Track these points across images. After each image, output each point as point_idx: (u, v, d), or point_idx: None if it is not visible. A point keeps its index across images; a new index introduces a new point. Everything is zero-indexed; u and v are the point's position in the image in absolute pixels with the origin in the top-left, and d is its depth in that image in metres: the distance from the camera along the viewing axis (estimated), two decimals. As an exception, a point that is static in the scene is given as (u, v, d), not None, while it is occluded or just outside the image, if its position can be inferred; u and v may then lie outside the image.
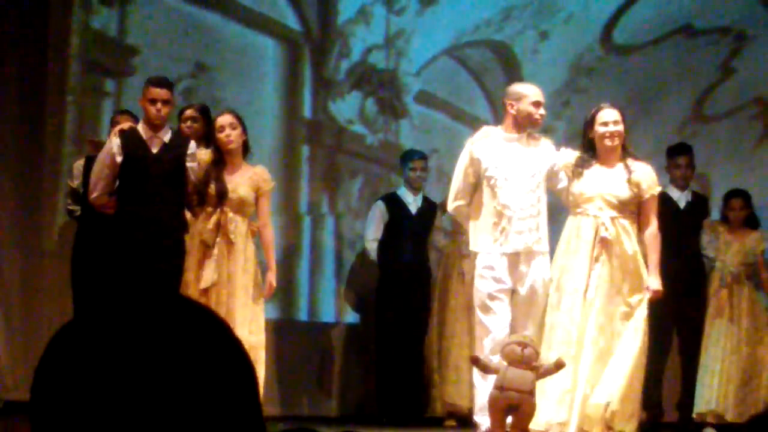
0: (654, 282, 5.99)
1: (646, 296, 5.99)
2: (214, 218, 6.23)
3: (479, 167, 5.94)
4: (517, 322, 6.06)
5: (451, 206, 6.14)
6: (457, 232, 7.36)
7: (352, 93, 7.20)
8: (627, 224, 5.97)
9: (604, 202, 5.97)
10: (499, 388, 5.43)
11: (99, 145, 6.57)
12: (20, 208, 7.17)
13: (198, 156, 6.22)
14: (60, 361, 1.28)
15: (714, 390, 7.51)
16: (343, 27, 7.17)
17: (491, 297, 5.98)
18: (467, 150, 5.99)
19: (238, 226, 6.25)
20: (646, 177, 6.01)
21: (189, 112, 6.68)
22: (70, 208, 6.86)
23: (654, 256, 6.05)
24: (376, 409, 7.75)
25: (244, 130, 6.32)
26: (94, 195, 6.17)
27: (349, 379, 7.86)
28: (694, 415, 7.47)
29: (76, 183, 6.77)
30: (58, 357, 1.28)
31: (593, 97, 7.32)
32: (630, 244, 5.96)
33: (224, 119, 6.26)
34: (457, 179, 6.04)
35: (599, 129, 5.97)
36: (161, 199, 6.12)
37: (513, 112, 6.01)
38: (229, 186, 6.25)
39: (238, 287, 6.27)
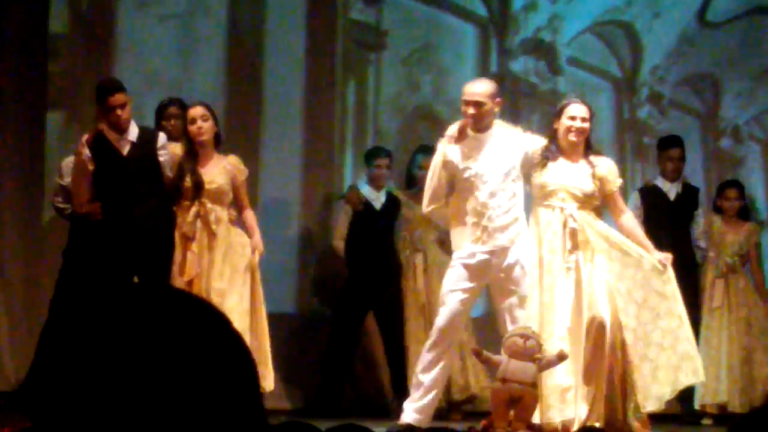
0: (661, 256, 5.75)
1: (669, 271, 5.70)
2: (193, 210, 6.08)
3: (452, 167, 5.73)
4: (503, 316, 5.77)
5: (426, 209, 5.92)
6: (408, 227, 7.37)
7: (525, 58, 8.26)
8: (590, 218, 5.77)
9: (568, 194, 5.73)
10: (502, 380, 5.23)
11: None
12: (23, 205, 6.95)
13: (170, 149, 6.10)
14: (57, 354, 1.27)
15: (721, 382, 7.24)
16: (517, 13, 8.24)
17: (451, 291, 5.75)
18: (440, 151, 5.77)
19: (218, 215, 6.12)
20: (610, 171, 5.82)
21: (172, 110, 6.49)
22: (60, 206, 6.58)
23: (640, 237, 5.83)
24: (379, 402, 7.45)
25: (216, 122, 6.19)
26: (77, 204, 6.11)
27: (367, 371, 7.67)
28: (696, 407, 7.28)
29: (66, 180, 6.49)
30: (56, 350, 1.27)
31: (692, 59, 8.60)
32: (603, 228, 5.75)
33: (195, 111, 6.13)
34: (432, 181, 5.81)
35: (566, 122, 5.74)
36: (141, 198, 5.96)
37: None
38: (205, 178, 6.10)
39: (224, 274, 6.06)
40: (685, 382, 5.72)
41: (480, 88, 5.69)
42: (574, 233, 5.63)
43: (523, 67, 8.30)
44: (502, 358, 5.27)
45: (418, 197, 6.67)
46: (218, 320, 1.30)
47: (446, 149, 5.69)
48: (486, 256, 5.69)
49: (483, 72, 7.99)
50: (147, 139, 6.01)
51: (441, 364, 5.78)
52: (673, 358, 5.67)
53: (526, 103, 8.22)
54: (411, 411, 5.74)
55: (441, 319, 5.72)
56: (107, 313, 1.28)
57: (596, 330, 5.54)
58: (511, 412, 5.20)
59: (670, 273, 5.69)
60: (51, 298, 6.36)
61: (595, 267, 5.65)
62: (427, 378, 5.76)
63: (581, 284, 5.60)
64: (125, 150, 5.96)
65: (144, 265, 5.90)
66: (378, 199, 7.48)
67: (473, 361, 6.83)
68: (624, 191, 8.26)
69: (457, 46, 8.01)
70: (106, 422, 1.21)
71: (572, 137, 5.70)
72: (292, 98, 7.36)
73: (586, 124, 5.73)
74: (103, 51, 7.06)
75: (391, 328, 7.34)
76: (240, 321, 5.85)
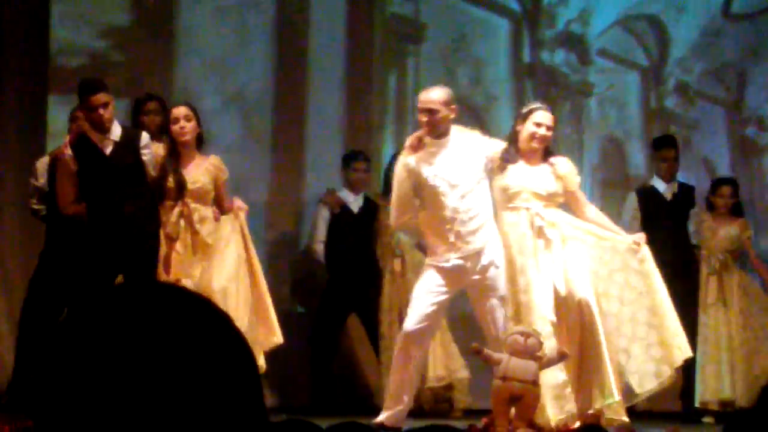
0: (633, 236, 5.88)
1: (644, 250, 5.78)
2: (176, 210, 6.09)
3: (418, 178, 5.71)
4: (483, 318, 5.77)
5: (396, 222, 5.94)
6: (387, 232, 7.30)
7: (556, 50, 8.55)
8: (559, 212, 5.83)
9: (532, 194, 5.77)
10: (502, 378, 5.21)
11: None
12: (23, 203, 6.84)
13: (153, 148, 6.08)
14: (59, 351, 1.29)
15: (723, 379, 7.19)
16: (548, 7, 8.56)
17: (422, 294, 5.74)
18: (402, 164, 5.76)
19: (201, 214, 6.13)
20: (570, 169, 5.87)
21: (151, 105, 6.50)
22: (35, 207, 6.58)
23: (609, 225, 5.91)
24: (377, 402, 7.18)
25: (198, 123, 6.18)
26: (63, 206, 6.05)
27: (352, 371, 7.69)
28: (697, 405, 7.23)
29: (41, 181, 6.51)
30: (58, 349, 1.30)
31: (717, 50, 8.83)
32: (573, 219, 5.83)
33: (179, 111, 6.14)
34: (398, 194, 5.80)
35: (530, 127, 5.79)
36: (126, 197, 5.92)
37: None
38: (188, 177, 6.11)
39: (213, 266, 6.04)
40: (678, 360, 5.72)
41: (433, 96, 5.68)
42: (541, 231, 5.66)
43: (555, 58, 8.55)
44: (503, 356, 5.24)
45: None
46: (219, 318, 1.29)
47: (407, 160, 5.69)
48: (460, 261, 5.68)
49: (516, 63, 8.32)
50: (130, 138, 5.97)
51: (410, 366, 5.75)
52: (665, 335, 5.71)
53: (558, 93, 8.48)
54: (385, 413, 5.74)
55: (409, 322, 5.70)
56: (106, 312, 1.26)
57: (583, 312, 5.59)
58: (512, 410, 5.18)
59: (645, 251, 5.74)
60: (24, 298, 6.41)
61: (572, 256, 5.67)
62: (398, 380, 5.74)
63: (557, 278, 5.61)
64: (108, 150, 5.92)
65: (130, 264, 5.85)
66: (356, 203, 7.50)
67: (450, 350, 7.00)
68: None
69: (491, 38, 8.30)
70: (106, 420, 1.20)
71: (535, 144, 5.77)
72: (333, 89, 7.71)
73: (550, 133, 5.79)
74: (164, 42, 7.36)
75: (376, 329, 7.31)
76: (237, 294, 5.95)
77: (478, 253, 5.68)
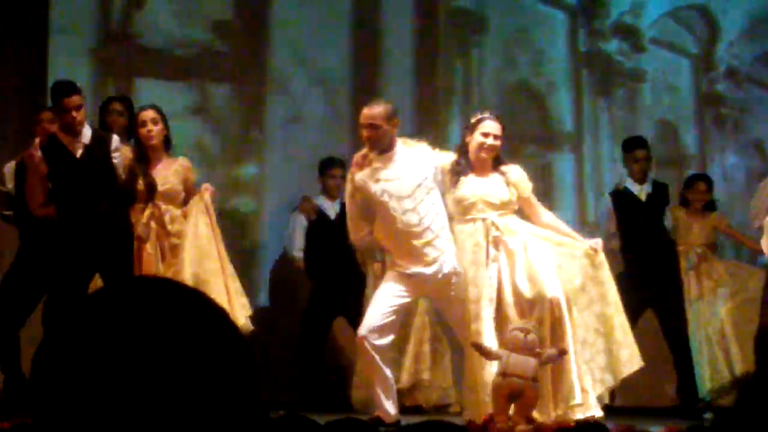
0: (590, 241, 5.82)
1: (600, 256, 5.74)
2: (147, 212, 6.12)
3: (366, 195, 5.71)
4: (456, 325, 5.78)
5: (353, 239, 5.95)
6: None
7: (610, 39, 8.87)
8: (514, 219, 5.82)
9: (486, 204, 5.75)
10: (502, 374, 5.19)
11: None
12: None
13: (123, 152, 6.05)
14: (58, 349, 1.29)
15: (721, 371, 7.16)
16: (603, 0, 8.89)
17: (380, 296, 5.73)
18: (349, 181, 5.79)
19: (172, 214, 6.17)
20: (521, 177, 5.85)
21: (116, 106, 6.49)
22: (5, 213, 6.59)
23: (564, 230, 5.89)
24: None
25: (165, 125, 6.22)
26: (33, 208, 6.04)
27: (349, 367, 7.57)
28: (703, 399, 7.17)
29: (8, 186, 6.51)
30: (56, 346, 1.30)
31: (766, 36, 9.16)
32: (529, 227, 5.81)
33: (146, 115, 6.19)
34: (350, 212, 5.83)
35: (478, 138, 5.78)
36: (96, 200, 5.91)
37: None
38: (157, 179, 6.14)
39: (184, 253, 6.07)
40: (625, 371, 5.72)
41: (374, 111, 5.66)
42: (497, 240, 5.65)
43: (609, 47, 8.89)
44: (503, 352, 5.24)
45: None
46: (216, 314, 1.29)
47: (354, 177, 5.70)
48: (421, 271, 5.67)
49: (573, 52, 8.72)
50: (100, 141, 5.94)
51: (378, 364, 5.70)
52: (612, 345, 5.71)
53: (613, 80, 8.88)
54: (377, 410, 5.73)
55: (363, 326, 5.69)
56: (102, 308, 1.27)
57: (553, 311, 5.53)
58: (512, 406, 5.17)
59: (602, 258, 5.72)
60: None
61: (537, 258, 5.62)
62: (374, 380, 5.76)
63: (509, 284, 5.58)
64: (78, 152, 5.91)
65: (107, 264, 5.85)
66: (332, 209, 7.44)
67: (423, 348, 6.96)
68: (702, 162, 8.99)
69: (549, 30, 8.71)
70: (104, 416, 1.21)
71: (483, 154, 5.76)
72: (404, 76, 8.18)
73: (498, 142, 5.77)
74: (261, 33, 7.80)
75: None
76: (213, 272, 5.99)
77: (438, 263, 5.65)
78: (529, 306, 5.60)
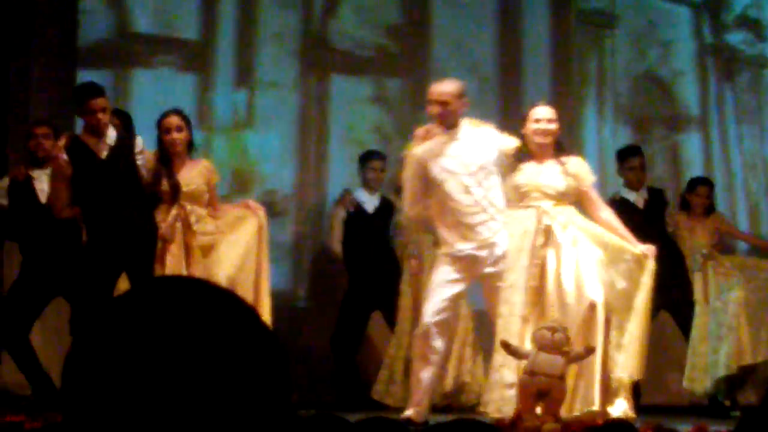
0: (644, 247, 5.74)
1: (650, 263, 5.68)
2: (173, 212, 6.13)
3: (426, 171, 5.70)
4: (496, 304, 5.72)
5: (408, 214, 6.00)
6: (404, 233, 7.28)
7: (734, 30, 9.19)
8: (571, 212, 5.79)
9: (542, 193, 5.71)
10: (530, 373, 5.16)
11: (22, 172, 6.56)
12: None
13: (147, 154, 6.09)
14: (90, 349, 1.28)
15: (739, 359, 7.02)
16: None
17: (439, 285, 5.70)
18: (410, 156, 5.79)
19: (197, 213, 6.19)
20: (582, 168, 5.84)
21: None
22: None
23: (622, 230, 5.79)
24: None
25: (189, 130, 6.25)
26: (57, 209, 6.07)
27: (376, 366, 7.55)
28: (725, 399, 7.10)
29: (3, 202, 6.67)
30: (88, 345, 1.28)
31: None
32: (583, 222, 5.72)
33: (171, 122, 6.21)
34: (409, 187, 5.81)
35: (532, 126, 5.78)
36: (122, 201, 5.90)
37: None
38: (182, 181, 6.14)
39: (220, 256, 6.09)
40: (617, 372, 5.68)
41: (445, 88, 5.74)
42: (548, 230, 5.65)
43: (733, 37, 9.28)
44: (530, 350, 5.25)
45: None
46: (247, 313, 1.29)
47: (415, 152, 5.74)
48: (473, 252, 5.68)
49: (699, 44, 9.35)
50: (124, 143, 5.98)
51: (433, 360, 5.77)
52: (627, 349, 5.67)
53: (737, 66, 9.34)
54: (412, 409, 5.77)
55: (427, 315, 5.70)
56: (136, 308, 1.28)
57: (591, 314, 5.55)
58: (539, 405, 5.18)
59: (651, 265, 5.68)
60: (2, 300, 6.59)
61: (584, 257, 5.60)
62: (422, 375, 5.78)
63: (552, 276, 5.58)
64: (103, 153, 5.93)
65: (132, 266, 5.87)
66: (371, 202, 7.50)
67: (469, 351, 6.99)
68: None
69: (676, 24, 9.30)
70: (134, 416, 1.21)
71: (538, 139, 5.78)
72: (542, 69, 9.06)
73: (551, 126, 5.79)
74: (423, 34, 8.57)
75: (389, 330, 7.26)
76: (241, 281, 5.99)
77: (490, 244, 5.67)
78: (567, 303, 5.57)
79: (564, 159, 5.84)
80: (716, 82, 9.43)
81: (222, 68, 8.22)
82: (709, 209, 7.58)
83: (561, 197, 5.76)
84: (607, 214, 5.86)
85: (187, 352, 1.24)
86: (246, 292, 6.00)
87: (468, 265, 5.73)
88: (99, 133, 5.92)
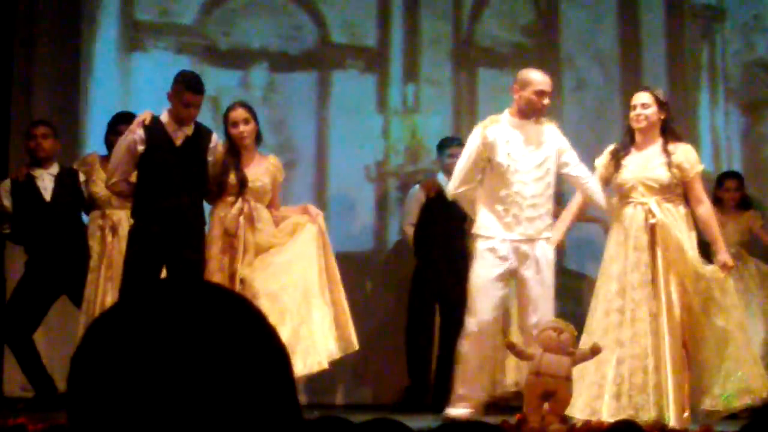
0: (725, 258, 5.48)
1: (729, 282, 5.45)
2: (237, 206, 5.98)
3: (491, 152, 5.60)
4: (526, 306, 5.65)
5: (455, 190, 5.77)
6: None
7: None
8: (672, 207, 5.54)
9: (646, 188, 5.51)
10: (535, 373, 5.06)
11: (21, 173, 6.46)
12: None
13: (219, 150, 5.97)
14: (96, 350, 1.26)
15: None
16: None
17: (489, 280, 5.57)
18: (479, 134, 5.67)
19: (260, 212, 6.07)
20: (687, 157, 5.55)
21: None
22: (3, 232, 6.68)
23: (715, 232, 5.54)
24: (411, 397, 7.16)
25: (256, 121, 6.10)
26: (112, 180, 5.92)
27: (385, 367, 7.65)
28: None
29: (6, 204, 6.57)
30: (94, 347, 1.26)
31: None
32: (676, 229, 5.44)
33: (237, 115, 6.08)
34: (466, 163, 5.69)
35: (630, 113, 5.65)
36: (182, 191, 5.82)
37: (517, 98, 5.71)
38: (250, 176, 6.02)
39: (272, 268, 5.85)
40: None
41: (550, 80, 5.70)
42: (653, 228, 5.46)
43: None
44: (536, 351, 5.13)
45: None
46: (252, 314, 1.29)
47: (486, 131, 5.64)
48: (511, 243, 5.60)
49: None
50: (201, 136, 5.96)
51: (485, 358, 5.72)
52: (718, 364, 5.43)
53: None
54: (460, 405, 5.68)
55: (480, 313, 5.57)
56: (141, 310, 1.27)
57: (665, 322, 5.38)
58: (546, 405, 5.09)
59: (729, 284, 5.47)
60: (6, 305, 6.55)
61: (673, 267, 5.42)
62: (469, 371, 5.68)
63: (659, 291, 5.40)
64: (179, 141, 5.89)
65: (177, 257, 5.82)
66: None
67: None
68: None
69: None
70: (140, 418, 1.21)
71: (634, 124, 5.63)
72: (658, 60, 9.80)
73: (648, 110, 5.59)
74: (553, 29, 9.35)
75: (454, 320, 6.60)
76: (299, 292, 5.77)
77: (531, 241, 5.59)
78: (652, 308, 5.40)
79: (672, 148, 5.64)
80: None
81: (395, 68, 9.62)
82: (743, 204, 7.43)
83: (666, 191, 5.57)
84: (704, 210, 5.63)
85: (194, 354, 1.23)
86: (290, 310, 5.86)
87: (506, 258, 5.65)
88: (184, 123, 5.89)
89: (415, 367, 7.38)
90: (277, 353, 1.28)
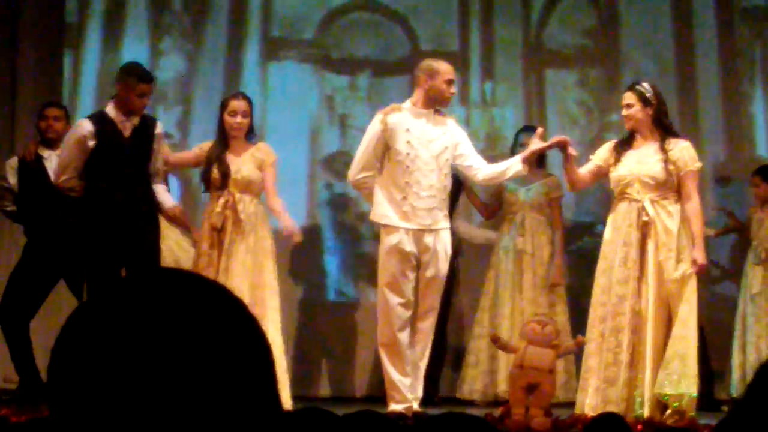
0: (698, 255, 5.37)
1: (691, 270, 5.36)
2: (222, 200, 5.86)
3: (390, 140, 5.55)
4: (423, 297, 5.63)
5: (355, 177, 5.68)
6: (510, 209, 7.09)
7: None
8: (668, 204, 5.48)
9: (641, 184, 5.46)
10: (519, 366, 5.01)
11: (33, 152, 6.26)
12: None
13: (164, 148, 5.94)
14: (76, 341, 1.23)
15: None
16: None
17: (400, 275, 5.53)
18: (378, 121, 5.60)
19: (246, 205, 5.90)
20: (683, 153, 5.47)
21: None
22: (7, 209, 6.48)
23: (697, 229, 5.42)
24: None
25: (252, 118, 6.01)
26: (63, 178, 5.79)
27: (372, 359, 7.42)
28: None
29: (12, 182, 6.40)
30: (74, 338, 1.23)
31: None
32: (672, 224, 5.41)
33: (239, 105, 5.96)
34: (365, 151, 5.62)
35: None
36: (133, 181, 5.75)
37: (425, 87, 5.63)
38: (233, 167, 5.88)
39: (238, 264, 5.78)
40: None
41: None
42: (645, 225, 5.43)
43: None
44: (520, 344, 5.12)
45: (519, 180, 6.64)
46: (232, 303, 1.26)
47: (386, 119, 5.60)
48: (410, 234, 5.59)
49: None
50: (147, 124, 5.91)
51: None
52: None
53: None
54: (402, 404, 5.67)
55: (397, 303, 5.57)
56: (121, 299, 1.24)
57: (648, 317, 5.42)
58: (529, 398, 5.03)
59: (692, 286, 5.41)
60: (3, 291, 6.33)
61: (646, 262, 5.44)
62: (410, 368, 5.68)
63: (651, 269, 5.39)
64: (127, 132, 5.84)
65: (133, 245, 5.76)
66: None
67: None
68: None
69: None
70: (121, 407, 1.18)
71: (625, 125, 5.67)
72: (711, 58, 10.06)
73: (631, 110, 5.55)
74: (614, 32, 9.68)
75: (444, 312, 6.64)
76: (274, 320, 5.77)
77: (430, 232, 5.60)
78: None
79: (669, 143, 5.58)
80: None
81: (474, 68, 10.31)
82: None
83: (662, 188, 5.54)
84: (691, 208, 5.55)
85: (174, 345, 1.20)
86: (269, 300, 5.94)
87: (411, 247, 5.67)
88: (131, 113, 5.86)
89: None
90: (256, 340, 1.27)
